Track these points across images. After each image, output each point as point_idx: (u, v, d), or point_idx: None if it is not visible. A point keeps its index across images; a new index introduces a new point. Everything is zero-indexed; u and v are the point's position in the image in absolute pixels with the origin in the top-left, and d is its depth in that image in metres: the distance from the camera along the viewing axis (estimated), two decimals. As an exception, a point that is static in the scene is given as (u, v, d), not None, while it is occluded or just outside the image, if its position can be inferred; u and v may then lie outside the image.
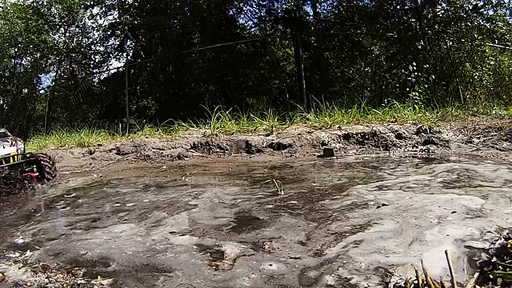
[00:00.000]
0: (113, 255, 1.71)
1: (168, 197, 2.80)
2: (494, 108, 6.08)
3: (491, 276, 1.28)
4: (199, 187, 3.05)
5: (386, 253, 1.55)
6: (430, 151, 4.30)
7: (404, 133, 4.76)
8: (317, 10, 10.13)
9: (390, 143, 4.64)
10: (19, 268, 1.59)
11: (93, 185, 3.62)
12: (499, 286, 1.23)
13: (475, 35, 7.87)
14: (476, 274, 1.31)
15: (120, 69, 11.64)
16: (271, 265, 1.51)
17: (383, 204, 2.18)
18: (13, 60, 12.15)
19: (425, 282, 1.24)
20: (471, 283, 1.25)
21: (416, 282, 1.27)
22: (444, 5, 8.23)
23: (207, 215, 2.25)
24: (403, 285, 1.28)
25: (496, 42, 8.20)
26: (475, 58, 7.97)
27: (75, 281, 1.46)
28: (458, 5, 7.86)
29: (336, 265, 1.48)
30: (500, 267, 1.32)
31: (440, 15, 8.26)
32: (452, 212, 1.96)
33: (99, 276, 1.49)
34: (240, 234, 1.88)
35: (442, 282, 1.25)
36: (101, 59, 12.82)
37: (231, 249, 1.68)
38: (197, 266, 1.55)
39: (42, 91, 12.45)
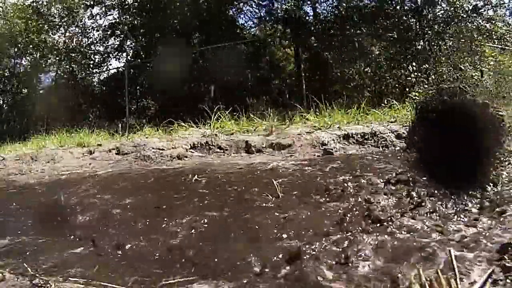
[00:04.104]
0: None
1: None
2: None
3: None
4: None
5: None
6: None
7: (404, 133, 4.76)
8: (317, 10, 10.15)
9: (390, 143, 4.63)
10: None
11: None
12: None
13: (475, 35, 7.88)
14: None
15: (120, 69, 11.67)
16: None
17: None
18: (13, 60, 12.16)
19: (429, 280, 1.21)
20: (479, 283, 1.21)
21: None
22: (444, 5, 8.25)
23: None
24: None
25: (496, 42, 8.21)
26: (475, 58, 7.98)
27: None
28: (458, 5, 7.88)
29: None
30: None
31: (440, 15, 8.28)
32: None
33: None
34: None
35: (449, 281, 1.22)
36: (101, 59, 12.83)
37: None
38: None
39: (42, 91, 12.47)
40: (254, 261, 1.54)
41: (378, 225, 1.77)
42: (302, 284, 1.35)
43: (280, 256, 1.56)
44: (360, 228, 1.76)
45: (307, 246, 1.61)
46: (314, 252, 1.55)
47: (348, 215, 1.92)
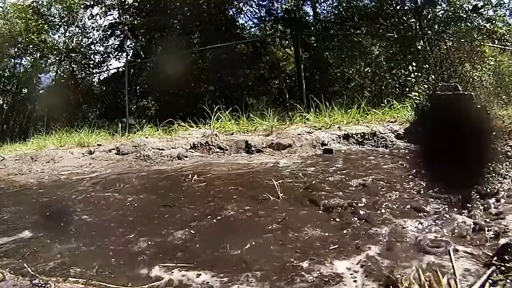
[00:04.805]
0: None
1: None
2: (493, 108, 6.08)
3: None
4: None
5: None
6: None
7: (403, 133, 4.76)
8: (317, 10, 10.16)
9: (390, 143, 4.63)
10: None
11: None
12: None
13: (475, 35, 7.88)
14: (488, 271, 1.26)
15: (120, 69, 11.66)
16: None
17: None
18: (13, 60, 12.16)
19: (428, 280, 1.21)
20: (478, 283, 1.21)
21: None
22: (444, 5, 8.26)
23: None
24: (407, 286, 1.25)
25: (496, 42, 8.21)
26: (475, 58, 7.97)
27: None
28: (458, 5, 7.88)
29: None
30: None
31: (440, 15, 8.28)
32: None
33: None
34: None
35: (449, 281, 1.21)
36: (101, 59, 12.84)
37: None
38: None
39: (42, 91, 12.47)
40: (253, 258, 1.54)
41: (378, 223, 1.78)
42: (302, 279, 1.36)
43: (280, 254, 1.56)
44: (360, 227, 1.76)
45: (306, 244, 1.62)
46: (313, 250, 1.56)
47: (349, 214, 1.93)
